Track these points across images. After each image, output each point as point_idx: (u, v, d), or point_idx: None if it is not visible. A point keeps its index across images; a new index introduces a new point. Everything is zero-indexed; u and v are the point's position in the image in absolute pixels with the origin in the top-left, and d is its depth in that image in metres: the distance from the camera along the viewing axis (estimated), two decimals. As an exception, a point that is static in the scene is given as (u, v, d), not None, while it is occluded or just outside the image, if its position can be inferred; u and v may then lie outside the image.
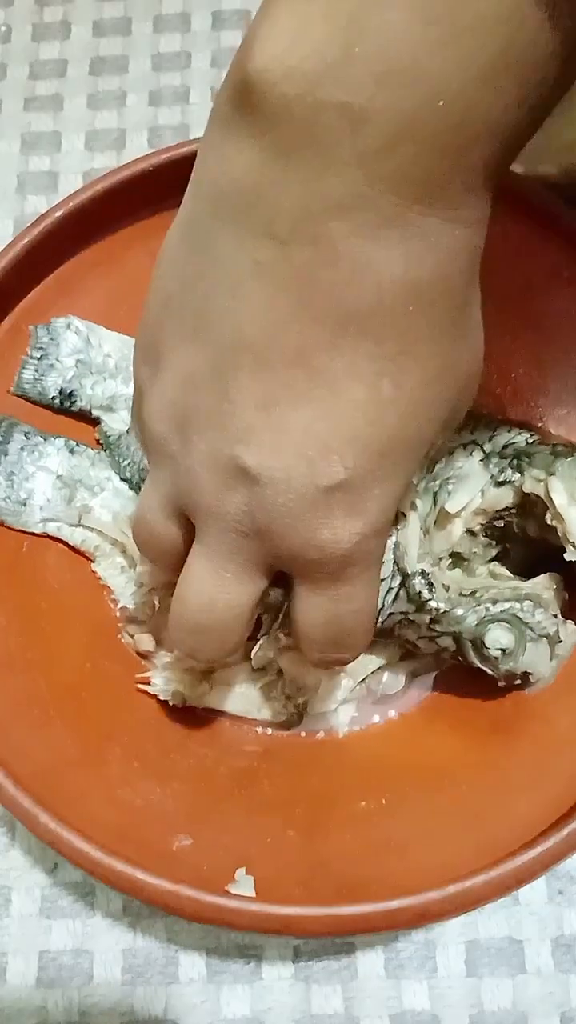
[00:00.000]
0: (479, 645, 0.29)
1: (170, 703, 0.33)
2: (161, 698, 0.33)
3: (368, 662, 0.33)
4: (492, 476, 0.32)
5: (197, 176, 0.22)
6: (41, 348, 0.36)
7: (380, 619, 0.30)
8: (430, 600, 0.29)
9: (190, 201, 0.22)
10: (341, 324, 0.20)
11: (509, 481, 0.31)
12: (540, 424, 0.35)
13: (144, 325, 0.25)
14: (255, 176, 0.20)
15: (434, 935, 0.34)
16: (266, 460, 0.22)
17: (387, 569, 0.30)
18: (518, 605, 0.29)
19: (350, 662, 0.27)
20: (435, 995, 0.33)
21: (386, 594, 0.30)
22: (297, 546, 0.23)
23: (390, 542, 0.30)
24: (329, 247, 0.20)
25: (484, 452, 0.32)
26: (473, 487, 0.32)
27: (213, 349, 0.22)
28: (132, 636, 0.34)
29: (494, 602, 0.29)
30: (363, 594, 0.25)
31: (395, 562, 0.30)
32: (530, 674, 0.30)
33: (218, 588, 0.25)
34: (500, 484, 0.31)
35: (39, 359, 0.36)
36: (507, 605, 0.29)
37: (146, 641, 0.34)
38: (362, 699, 0.34)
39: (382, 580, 0.30)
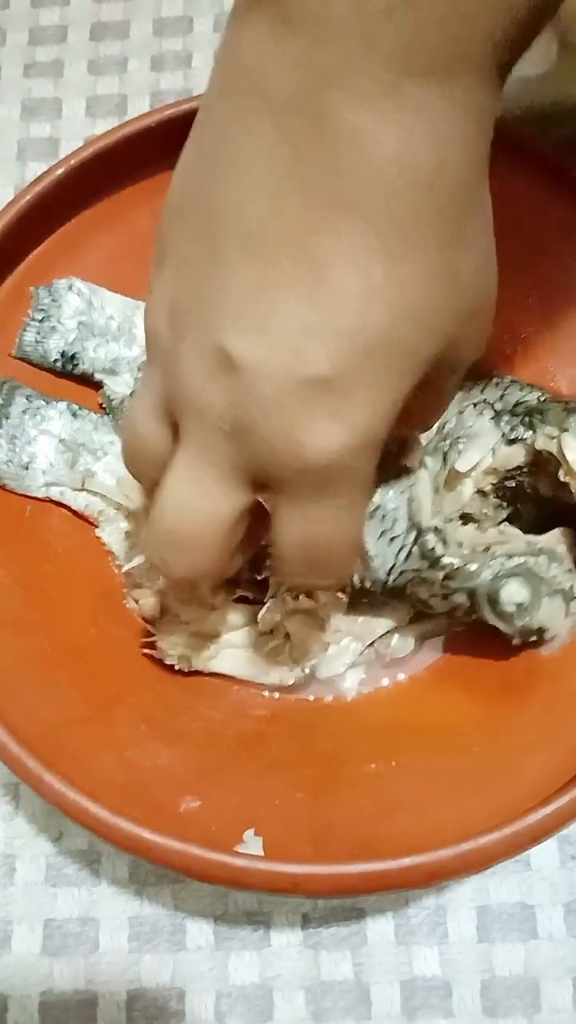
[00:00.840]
0: (494, 601, 0.28)
1: (176, 667, 0.32)
2: (167, 662, 0.32)
3: (376, 625, 0.33)
4: (503, 434, 0.31)
5: (213, 69, 0.22)
6: (43, 310, 0.35)
7: (392, 577, 0.30)
8: (444, 556, 0.29)
9: (206, 93, 0.22)
10: (334, 202, 0.20)
11: (521, 439, 0.31)
12: (552, 384, 0.34)
13: (158, 225, 0.24)
14: (258, 51, 0.20)
15: (444, 900, 0.33)
16: (249, 347, 0.21)
17: (401, 526, 0.29)
18: (533, 559, 0.29)
19: (328, 589, 0.26)
20: (446, 961, 0.33)
21: (399, 551, 0.29)
22: (277, 448, 0.21)
23: (403, 498, 0.29)
24: (324, 118, 0.19)
25: (495, 410, 0.32)
26: (484, 446, 0.31)
27: (210, 232, 0.21)
28: (137, 601, 0.34)
29: (509, 556, 0.29)
30: (344, 517, 0.24)
31: (409, 517, 0.29)
32: (545, 630, 0.29)
33: (196, 495, 0.23)
34: (512, 442, 0.31)
35: (41, 321, 0.35)
36: (522, 559, 0.29)
37: (151, 606, 0.33)
38: (370, 663, 0.33)
39: (395, 538, 0.29)
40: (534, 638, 0.30)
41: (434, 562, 0.29)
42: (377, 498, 0.29)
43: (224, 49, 0.21)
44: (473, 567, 0.29)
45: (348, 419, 0.21)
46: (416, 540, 0.29)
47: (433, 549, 0.29)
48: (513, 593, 0.28)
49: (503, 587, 0.28)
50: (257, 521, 0.25)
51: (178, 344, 0.22)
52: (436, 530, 0.29)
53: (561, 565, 0.29)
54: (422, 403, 0.24)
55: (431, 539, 0.29)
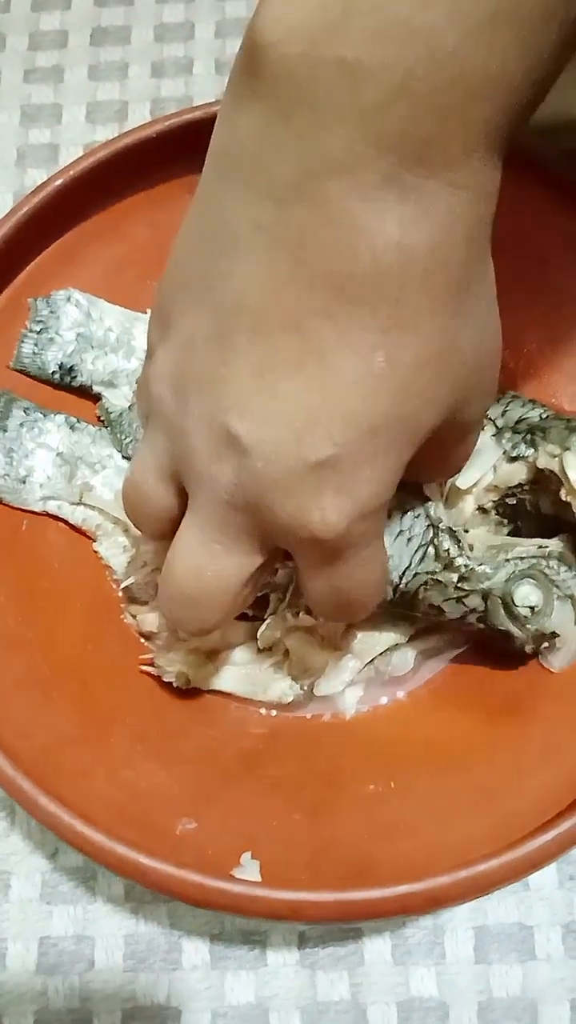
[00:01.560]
0: (508, 603, 0.28)
1: (174, 684, 0.32)
2: (165, 679, 0.32)
3: (376, 643, 0.32)
4: (505, 451, 0.31)
5: (212, 145, 0.22)
6: (41, 321, 0.35)
7: (405, 580, 0.29)
8: (458, 557, 0.29)
9: (205, 169, 0.22)
10: (336, 289, 0.20)
11: (522, 456, 0.30)
12: (553, 400, 0.34)
13: (159, 289, 0.24)
14: (258, 138, 0.20)
15: (442, 920, 0.33)
16: (255, 430, 0.21)
17: (419, 527, 0.29)
18: (544, 562, 0.29)
19: (364, 618, 0.27)
20: (443, 981, 0.32)
21: (415, 552, 0.29)
22: (287, 524, 0.22)
23: (421, 508, 0.29)
24: (326, 207, 0.19)
25: (496, 427, 0.32)
26: (485, 463, 0.31)
27: (215, 311, 0.21)
28: (135, 616, 0.34)
29: (521, 558, 0.29)
30: (364, 569, 0.24)
31: (427, 516, 0.29)
32: (557, 636, 0.29)
33: (206, 559, 0.24)
34: (513, 459, 0.31)
35: (39, 333, 0.35)
36: (534, 561, 0.29)
37: (149, 621, 0.33)
38: (370, 680, 0.33)
39: (411, 538, 0.29)
40: (545, 644, 0.30)
41: (448, 563, 0.29)
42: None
43: (221, 129, 0.21)
44: (487, 568, 0.29)
45: (354, 494, 0.22)
46: (431, 541, 0.29)
47: (448, 550, 0.29)
48: (527, 595, 0.28)
49: (517, 589, 0.28)
50: (267, 564, 0.25)
51: (184, 416, 0.23)
52: (451, 531, 0.29)
53: (570, 569, 0.29)
54: (438, 455, 0.25)
55: (446, 540, 0.29)
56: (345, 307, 0.20)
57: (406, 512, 0.29)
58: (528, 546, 0.29)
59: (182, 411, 0.23)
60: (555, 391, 0.34)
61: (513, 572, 0.28)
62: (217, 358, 0.21)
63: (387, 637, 0.32)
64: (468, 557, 0.29)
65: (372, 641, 0.32)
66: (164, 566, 0.25)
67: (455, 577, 0.29)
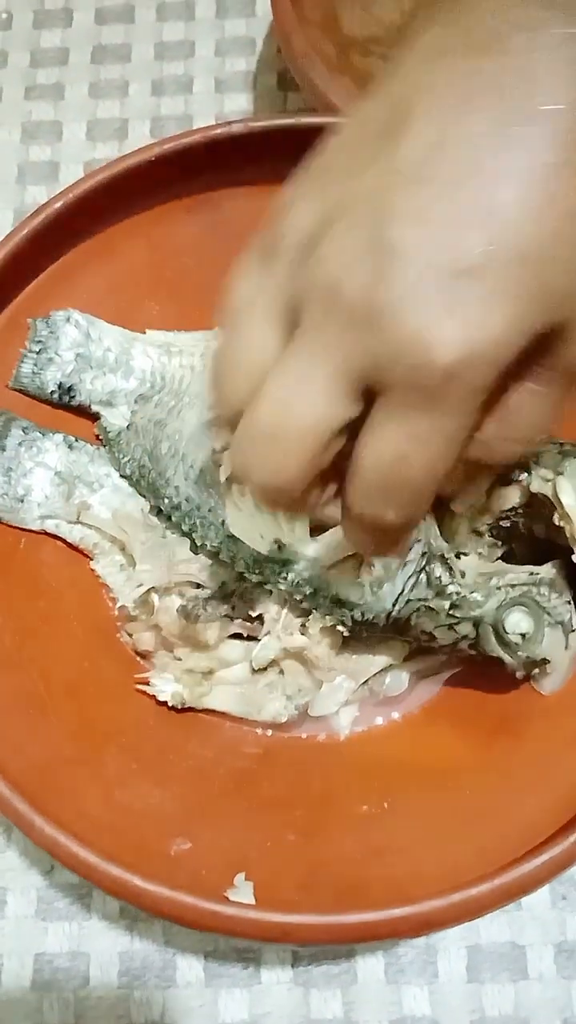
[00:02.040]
0: (499, 631, 0.28)
1: (169, 704, 0.32)
2: (160, 699, 0.32)
3: (371, 663, 0.33)
4: (499, 475, 0.31)
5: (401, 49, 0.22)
6: (40, 341, 0.35)
7: (398, 608, 0.30)
8: (450, 585, 0.29)
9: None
10: (521, 113, 0.20)
11: (516, 480, 0.31)
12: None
13: (313, 162, 0.23)
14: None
15: (435, 940, 0.33)
16: (408, 229, 0.20)
17: (415, 552, 0.29)
18: (535, 589, 0.29)
19: (388, 529, 0.24)
20: (436, 1000, 0.33)
21: (408, 578, 0.29)
22: (404, 338, 0.20)
23: (424, 524, 0.30)
24: (513, 53, 0.20)
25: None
26: (479, 487, 0.31)
27: (389, 134, 0.21)
28: (131, 635, 0.34)
29: (512, 586, 0.29)
30: (439, 440, 0.22)
31: (426, 542, 0.29)
32: (548, 662, 0.29)
33: (302, 391, 0.22)
34: (507, 483, 0.31)
35: (38, 353, 0.35)
36: (525, 588, 0.29)
37: (145, 640, 0.33)
38: (364, 700, 0.33)
39: (408, 562, 0.29)
40: (536, 670, 0.30)
41: (440, 591, 0.29)
42: None
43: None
44: (478, 596, 0.29)
45: (482, 323, 0.20)
46: (425, 567, 0.29)
47: (440, 578, 0.29)
48: (518, 622, 0.29)
49: (507, 617, 0.28)
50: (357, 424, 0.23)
51: (325, 232, 0.21)
52: (443, 559, 0.29)
53: (561, 596, 0.30)
54: (506, 415, 0.23)
55: (438, 568, 0.29)
56: (532, 131, 0.20)
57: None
58: (520, 573, 0.29)
59: (323, 230, 0.21)
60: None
61: (504, 600, 0.29)
62: (383, 172, 0.21)
63: (381, 658, 0.33)
64: (460, 584, 0.29)
65: (367, 661, 0.33)
66: (249, 402, 0.23)
67: (447, 604, 0.29)
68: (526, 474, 0.31)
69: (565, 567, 0.30)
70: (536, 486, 0.30)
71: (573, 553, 0.29)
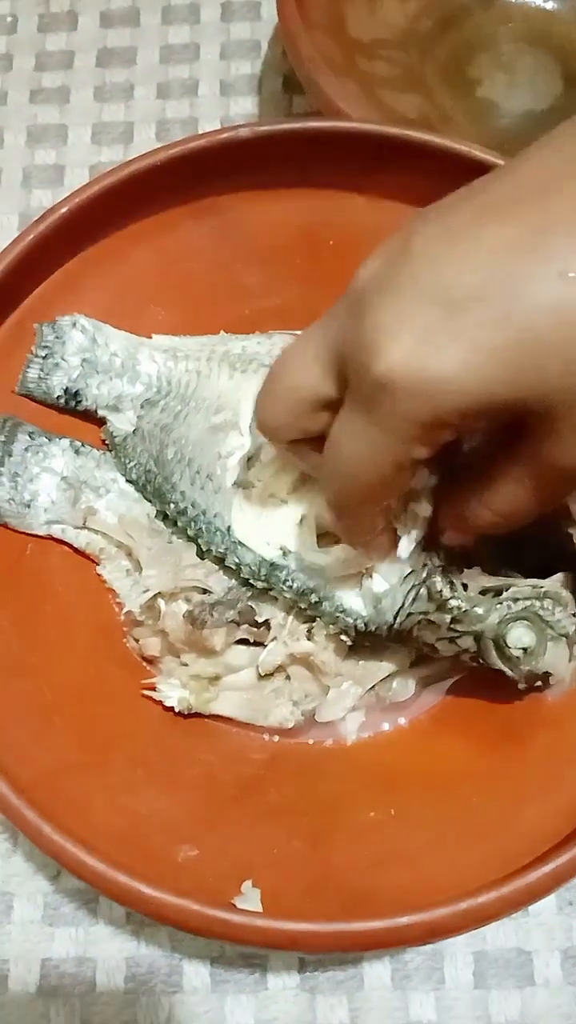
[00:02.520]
0: (501, 645, 0.28)
1: (176, 710, 0.32)
2: (167, 705, 0.32)
3: (377, 669, 0.33)
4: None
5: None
6: (46, 347, 0.35)
7: (399, 620, 0.30)
8: (451, 599, 0.29)
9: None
10: None
11: (524, 487, 0.31)
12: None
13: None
14: None
15: (441, 946, 0.33)
16: (435, 241, 0.22)
17: (416, 563, 0.29)
18: (538, 603, 0.29)
19: (350, 516, 0.26)
20: (442, 1007, 0.33)
21: (408, 591, 0.29)
22: (364, 334, 0.22)
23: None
24: None
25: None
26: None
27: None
28: (137, 641, 0.34)
29: (515, 600, 0.29)
30: (367, 450, 0.23)
31: (422, 554, 0.29)
32: (550, 675, 0.29)
33: (296, 354, 0.25)
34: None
35: (44, 358, 0.35)
36: (528, 603, 0.29)
37: (152, 645, 0.33)
38: (371, 706, 0.33)
39: (408, 574, 0.29)
40: (539, 682, 0.30)
41: (441, 604, 0.29)
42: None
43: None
44: (480, 610, 0.29)
45: (436, 356, 0.20)
46: (424, 581, 0.29)
47: (441, 592, 0.29)
48: (519, 637, 0.28)
49: (509, 631, 0.28)
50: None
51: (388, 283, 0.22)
52: (444, 572, 0.29)
53: (565, 609, 0.29)
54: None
55: (439, 581, 0.29)
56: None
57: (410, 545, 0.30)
58: (523, 587, 0.29)
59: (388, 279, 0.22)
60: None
61: (506, 614, 0.28)
62: (447, 242, 0.21)
63: (388, 664, 0.33)
64: (461, 598, 0.29)
65: (373, 667, 0.33)
66: (328, 447, 0.24)
67: (448, 618, 0.29)
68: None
69: (573, 577, 0.30)
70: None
71: (581, 560, 0.29)
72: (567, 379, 0.20)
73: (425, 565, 0.29)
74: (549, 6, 0.46)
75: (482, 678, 0.33)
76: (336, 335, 0.23)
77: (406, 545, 0.29)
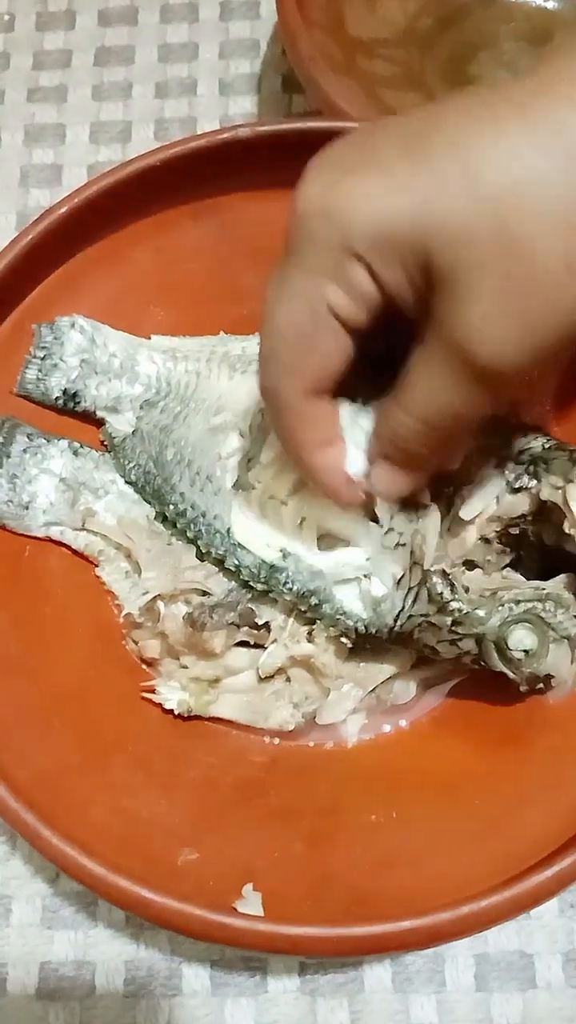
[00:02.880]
0: (502, 647, 0.28)
1: (175, 712, 0.32)
2: (166, 707, 0.32)
3: (378, 671, 0.33)
4: (508, 482, 0.31)
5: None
6: (45, 347, 0.35)
7: (400, 622, 0.30)
8: (452, 601, 0.28)
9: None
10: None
11: (525, 488, 0.30)
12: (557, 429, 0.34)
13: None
14: None
15: (443, 948, 0.33)
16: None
17: (404, 558, 0.29)
18: (540, 605, 0.28)
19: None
20: (443, 1010, 0.33)
21: (406, 594, 0.29)
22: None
23: (411, 527, 0.29)
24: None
25: (499, 457, 0.32)
26: (488, 494, 0.31)
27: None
28: (137, 643, 0.34)
29: (516, 602, 0.29)
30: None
31: (412, 551, 0.29)
32: (552, 677, 0.29)
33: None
34: (516, 491, 0.31)
35: (43, 359, 0.35)
36: (529, 605, 0.29)
37: (151, 648, 0.33)
38: (372, 709, 0.33)
39: (400, 578, 0.29)
40: (540, 684, 0.30)
41: (442, 607, 0.29)
42: (389, 519, 0.29)
43: None
44: (481, 612, 0.29)
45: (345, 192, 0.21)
46: (422, 582, 0.29)
47: (442, 594, 0.29)
48: (521, 639, 0.28)
49: (511, 634, 0.28)
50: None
51: None
52: (444, 574, 0.29)
53: (567, 611, 0.29)
54: None
55: (439, 584, 0.29)
56: None
57: (393, 535, 0.29)
58: (525, 588, 0.29)
59: None
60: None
61: (508, 617, 0.28)
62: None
63: (388, 666, 0.32)
64: (462, 601, 0.29)
65: (374, 669, 0.33)
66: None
67: (449, 621, 0.29)
68: (536, 481, 0.30)
69: (575, 578, 0.30)
70: (546, 493, 0.30)
71: (583, 562, 0.29)
72: (469, 223, 0.20)
73: (417, 565, 0.29)
74: (550, 5, 0.46)
75: (483, 680, 0.33)
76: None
77: (384, 510, 0.29)
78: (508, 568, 0.32)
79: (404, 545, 0.30)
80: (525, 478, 0.30)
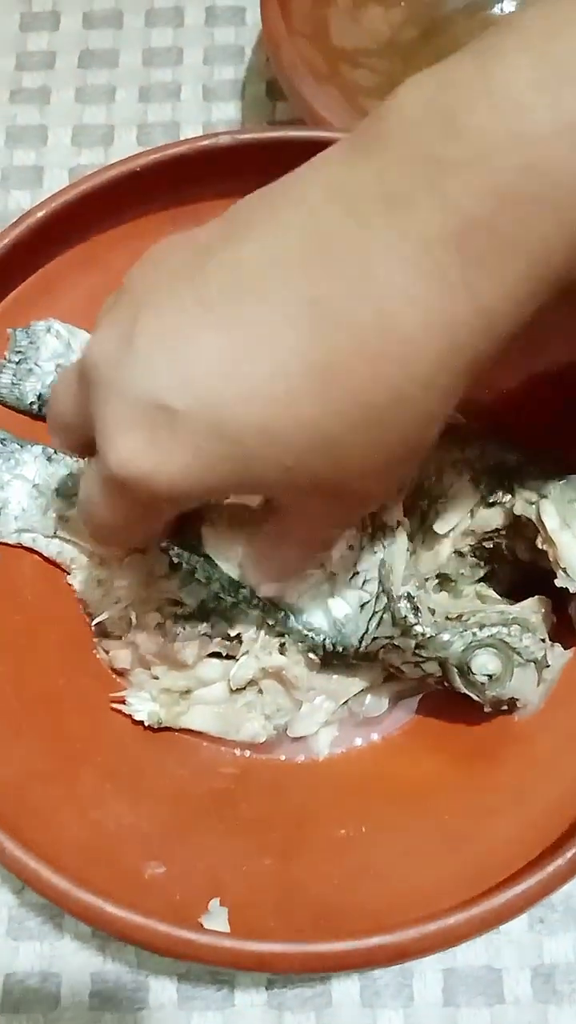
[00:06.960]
0: (465, 671, 0.28)
1: (146, 723, 0.32)
2: (136, 718, 0.32)
3: (350, 684, 0.32)
4: (482, 496, 0.31)
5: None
6: (20, 352, 0.35)
7: (364, 643, 0.29)
8: (416, 625, 0.28)
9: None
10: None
11: (499, 502, 0.30)
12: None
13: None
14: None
15: (411, 963, 0.33)
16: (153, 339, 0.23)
17: (372, 588, 0.29)
18: (505, 630, 0.28)
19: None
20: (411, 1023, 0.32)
21: (370, 618, 0.29)
22: (101, 425, 0.24)
23: (376, 559, 0.29)
24: (362, 247, 0.21)
25: (473, 470, 0.32)
26: (462, 508, 0.31)
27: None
28: (107, 652, 0.33)
29: (481, 627, 0.29)
30: (108, 515, 0.25)
31: (380, 581, 0.29)
32: (516, 700, 0.29)
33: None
34: (490, 505, 0.31)
35: (17, 363, 0.35)
36: (494, 630, 0.28)
37: (121, 658, 0.33)
38: (344, 721, 0.33)
39: (365, 603, 0.29)
40: (505, 707, 0.30)
41: (406, 630, 0.29)
42: (355, 561, 0.29)
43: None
44: (445, 637, 0.28)
45: (162, 458, 0.22)
46: (387, 607, 0.29)
47: (406, 618, 0.29)
48: (484, 664, 0.28)
49: (474, 658, 0.28)
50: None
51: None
52: (409, 597, 0.29)
53: (534, 635, 0.29)
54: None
55: (403, 607, 0.29)
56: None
57: (360, 576, 0.29)
58: (491, 612, 0.29)
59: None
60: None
61: (471, 642, 0.28)
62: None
63: (360, 679, 0.32)
64: (426, 625, 0.29)
65: (346, 682, 0.32)
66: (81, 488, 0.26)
67: (413, 644, 0.29)
68: (509, 496, 0.30)
69: (547, 593, 0.30)
70: (519, 508, 0.30)
71: (556, 578, 0.29)
72: (282, 478, 0.22)
73: (384, 592, 0.29)
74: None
75: (455, 696, 0.33)
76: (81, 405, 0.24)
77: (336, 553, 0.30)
78: (482, 583, 0.32)
79: (371, 579, 0.30)
80: (499, 492, 0.30)
